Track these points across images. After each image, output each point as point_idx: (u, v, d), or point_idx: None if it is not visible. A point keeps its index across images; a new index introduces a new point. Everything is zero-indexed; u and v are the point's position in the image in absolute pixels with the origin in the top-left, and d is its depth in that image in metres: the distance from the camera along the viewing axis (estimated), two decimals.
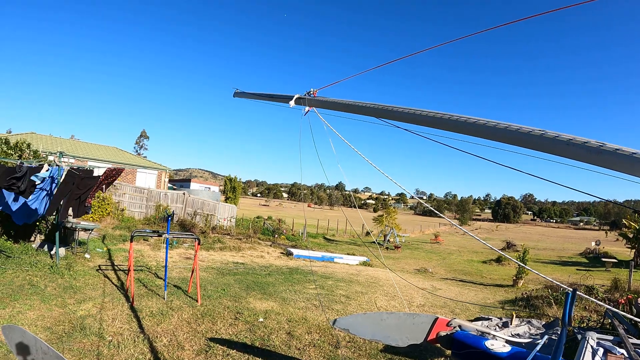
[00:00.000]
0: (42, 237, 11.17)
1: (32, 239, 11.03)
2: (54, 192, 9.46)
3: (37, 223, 11.03)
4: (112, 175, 10.50)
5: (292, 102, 3.39)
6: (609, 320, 7.18)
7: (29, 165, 9.36)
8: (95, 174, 10.20)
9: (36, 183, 9.18)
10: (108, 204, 18.59)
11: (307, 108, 3.38)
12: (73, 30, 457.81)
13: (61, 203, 9.42)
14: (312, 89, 3.39)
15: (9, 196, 9.29)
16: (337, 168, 3.98)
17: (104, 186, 10.60)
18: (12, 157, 11.08)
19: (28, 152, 12.37)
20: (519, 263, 3.51)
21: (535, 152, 1.80)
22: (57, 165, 9.79)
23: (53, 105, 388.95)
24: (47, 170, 9.28)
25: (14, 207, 9.49)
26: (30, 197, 9.33)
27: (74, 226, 10.77)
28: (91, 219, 16.50)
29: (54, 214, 9.71)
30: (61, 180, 9.40)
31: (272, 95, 3.87)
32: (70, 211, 9.98)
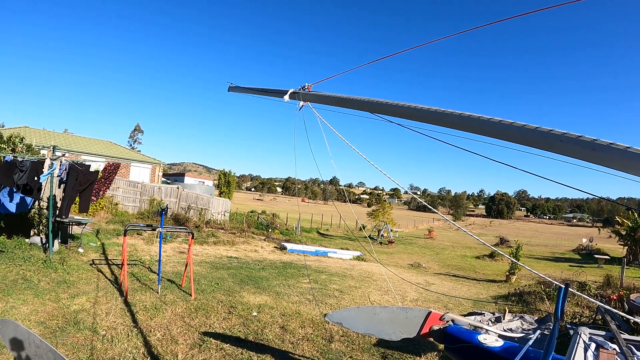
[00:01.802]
0: (35, 231, 11.10)
1: (32, 234, 10.95)
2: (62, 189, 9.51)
3: (29, 217, 10.97)
4: (111, 171, 10.51)
5: (286, 97, 3.38)
6: (601, 317, 7.24)
7: (32, 159, 9.30)
8: (91, 169, 10.19)
9: (41, 182, 9.15)
10: (101, 198, 18.49)
11: (301, 103, 3.37)
12: (66, 24, 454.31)
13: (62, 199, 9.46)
14: (306, 84, 3.38)
15: (5, 198, 9.23)
16: (331, 163, 3.98)
17: (107, 184, 10.63)
18: (5, 152, 10.99)
19: (21, 146, 12.28)
20: (512, 259, 3.53)
21: (529, 148, 1.81)
22: (53, 160, 9.73)
23: (46, 99, 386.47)
24: (50, 168, 9.21)
25: (12, 207, 9.44)
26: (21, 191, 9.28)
27: (68, 221, 10.71)
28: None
29: (62, 211, 9.74)
30: (57, 176, 9.39)
31: (266, 89, 3.85)
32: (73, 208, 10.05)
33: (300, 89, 3.38)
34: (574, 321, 7.68)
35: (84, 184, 9.78)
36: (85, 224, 11.96)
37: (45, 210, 10.85)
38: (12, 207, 9.45)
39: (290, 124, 3.63)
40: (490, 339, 3.51)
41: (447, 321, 4.08)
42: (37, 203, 10.53)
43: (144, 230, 14.48)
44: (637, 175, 1.43)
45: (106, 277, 8.51)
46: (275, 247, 17.64)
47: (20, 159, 9.08)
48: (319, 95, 3.20)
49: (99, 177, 10.33)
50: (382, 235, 30.23)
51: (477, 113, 2.03)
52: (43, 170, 9.07)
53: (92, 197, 10.23)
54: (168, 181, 45.22)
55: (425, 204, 4.28)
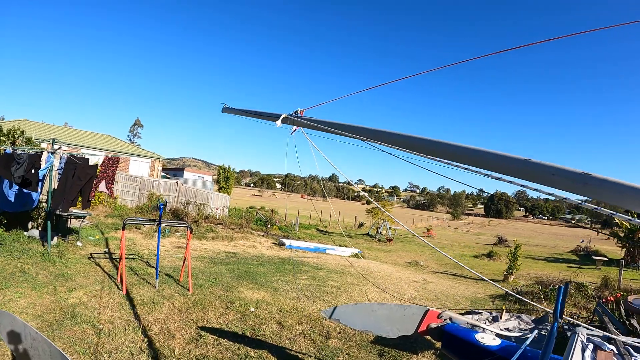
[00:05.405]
0: (34, 224, 11.08)
1: (29, 227, 10.93)
2: (57, 182, 9.46)
3: (31, 212, 10.95)
4: (109, 165, 10.45)
5: (278, 122, 3.35)
6: (598, 317, 7.26)
7: (28, 152, 9.27)
8: (90, 163, 10.14)
9: (40, 175, 9.12)
10: (100, 192, 18.47)
11: (294, 127, 3.36)
12: (66, 17, 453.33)
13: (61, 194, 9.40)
14: (299, 109, 3.37)
15: (6, 188, 9.21)
16: (328, 163, 3.95)
17: (110, 183, 10.56)
18: (4, 144, 10.97)
19: (21, 139, 12.25)
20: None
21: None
22: (50, 153, 9.68)
23: (46, 92, 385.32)
24: (47, 162, 9.16)
25: (11, 196, 9.42)
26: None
27: (66, 214, 10.69)
28: None
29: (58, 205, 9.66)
30: (57, 170, 9.36)
31: (259, 112, 3.83)
32: (77, 202, 9.98)
33: (292, 114, 3.37)
34: (571, 321, 7.69)
35: (83, 178, 9.71)
36: (84, 217, 11.95)
37: (44, 204, 10.83)
38: (17, 205, 9.43)
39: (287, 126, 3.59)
40: (488, 338, 3.51)
41: (445, 319, 4.08)
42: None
43: (143, 224, 14.50)
44: (633, 209, 1.43)
45: (104, 271, 8.51)
46: (273, 243, 17.63)
47: (18, 152, 9.04)
48: (311, 120, 3.19)
49: (98, 171, 10.25)
50: (380, 232, 30.24)
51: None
52: (41, 163, 9.02)
53: (92, 193, 10.15)
54: (167, 176, 45.21)
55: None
